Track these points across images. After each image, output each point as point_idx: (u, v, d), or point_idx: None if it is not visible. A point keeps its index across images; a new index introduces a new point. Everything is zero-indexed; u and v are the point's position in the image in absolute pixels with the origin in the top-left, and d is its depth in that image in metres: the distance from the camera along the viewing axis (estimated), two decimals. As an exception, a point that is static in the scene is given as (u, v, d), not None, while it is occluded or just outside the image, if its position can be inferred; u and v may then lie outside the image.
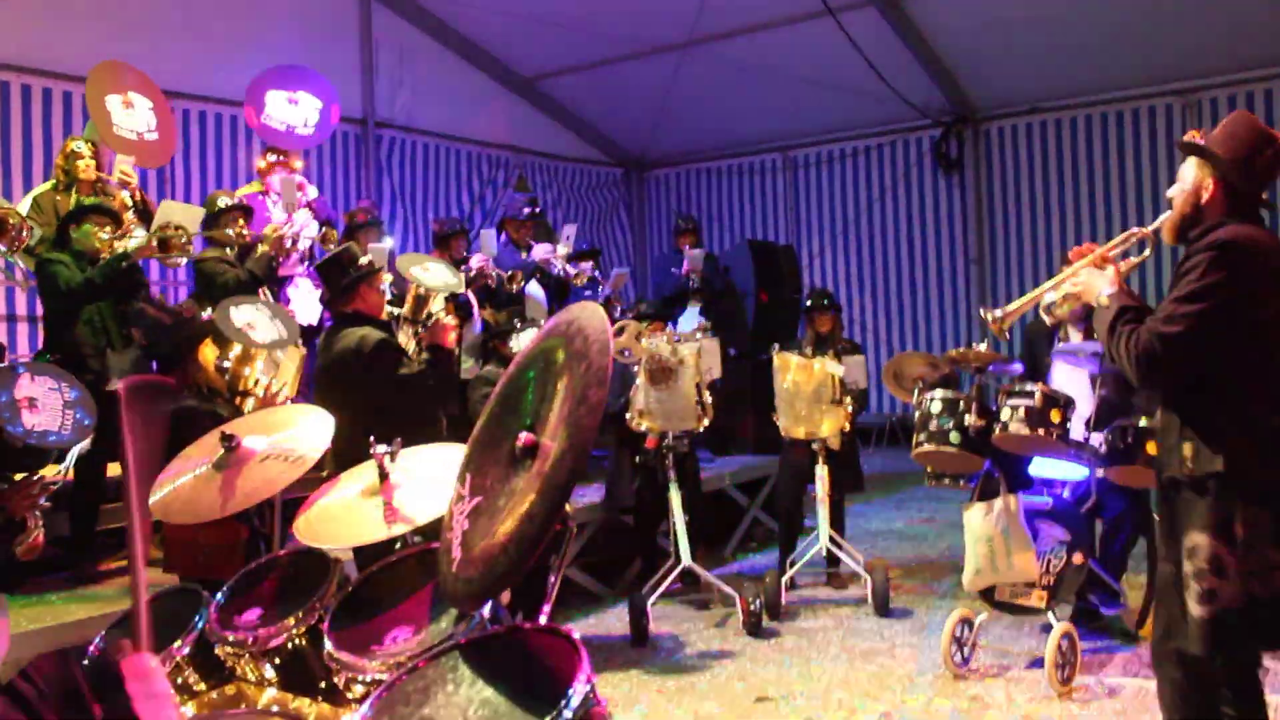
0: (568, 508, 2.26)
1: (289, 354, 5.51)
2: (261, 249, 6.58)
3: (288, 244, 6.75)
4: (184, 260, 6.27)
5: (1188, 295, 3.01)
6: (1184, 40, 10.38)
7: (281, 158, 7.83)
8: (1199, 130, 3.34)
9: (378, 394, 4.79)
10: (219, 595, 3.23)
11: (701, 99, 12.87)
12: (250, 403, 5.19)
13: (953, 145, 12.78)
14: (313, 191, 7.76)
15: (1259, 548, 2.99)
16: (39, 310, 6.69)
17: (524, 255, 8.43)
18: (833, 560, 6.95)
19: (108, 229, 5.86)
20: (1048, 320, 3.76)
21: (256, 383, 5.10)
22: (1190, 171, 3.20)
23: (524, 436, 2.18)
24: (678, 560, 6.34)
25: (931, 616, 6.22)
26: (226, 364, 5.03)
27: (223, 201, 6.92)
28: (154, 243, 5.88)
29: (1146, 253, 3.58)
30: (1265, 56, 10.66)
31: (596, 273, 8.76)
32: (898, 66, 11.27)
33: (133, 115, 7.04)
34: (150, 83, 7.22)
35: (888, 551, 7.83)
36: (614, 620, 6.60)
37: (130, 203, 6.59)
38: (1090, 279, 3.36)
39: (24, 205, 6.71)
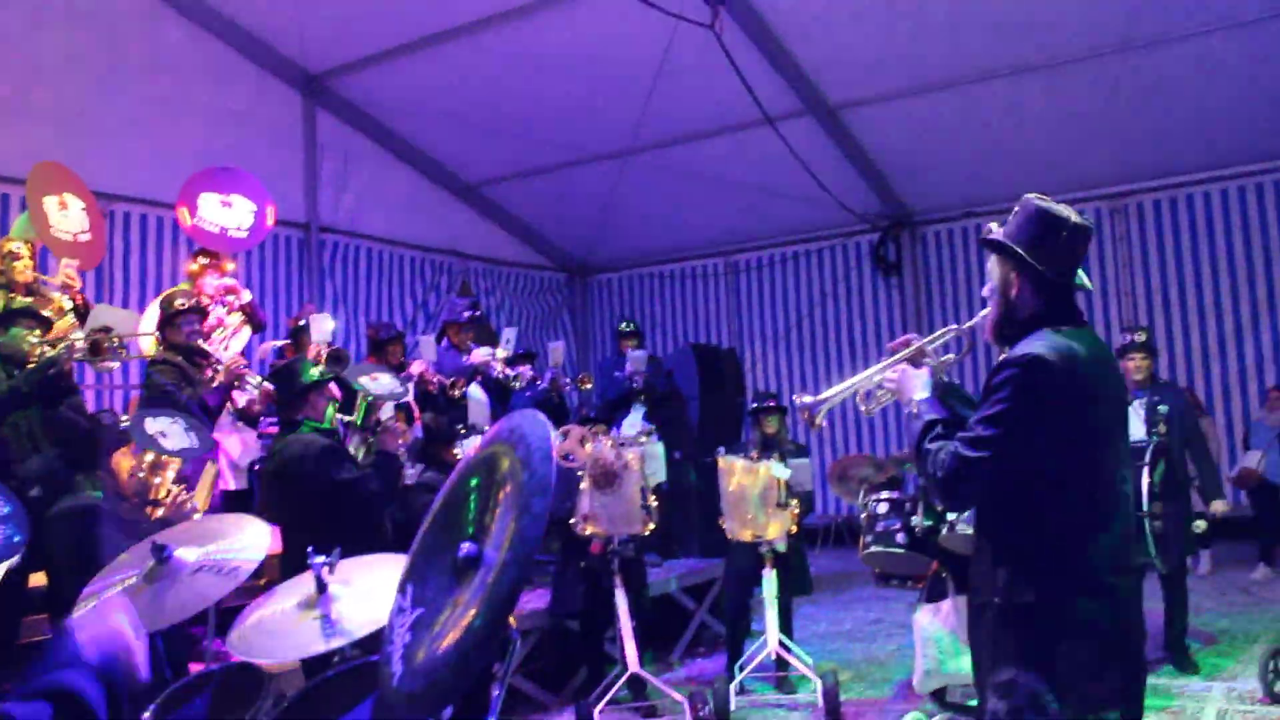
0: (510, 619, 2.19)
1: (205, 470, 5.43)
2: (219, 380, 6.44)
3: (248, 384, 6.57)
4: (116, 364, 6.15)
5: (992, 417, 2.82)
6: (1112, 147, 10.74)
7: (213, 260, 7.73)
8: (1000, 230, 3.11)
9: (322, 500, 4.74)
10: (147, 714, 3.09)
11: (644, 205, 13.06)
12: (160, 511, 5.08)
13: (890, 249, 13.03)
14: (245, 295, 7.66)
15: (1080, 684, 2.75)
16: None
17: (465, 359, 8.41)
18: (782, 664, 6.86)
19: (36, 333, 5.75)
20: (864, 411, 3.55)
21: (168, 493, 5.00)
22: (995, 268, 3.06)
23: (466, 547, 2.12)
24: (625, 667, 6.22)
25: (883, 721, 6.13)
26: (141, 473, 4.94)
27: (179, 303, 6.82)
28: (86, 347, 5.77)
29: (962, 352, 3.43)
30: (1191, 163, 11.07)
31: (534, 372, 8.74)
32: (836, 173, 11.52)
33: (68, 217, 6.98)
34: (81, 184, 7.20)
35: (837, 653, 7.75)
36: (560, 731, 6.44)
37: (70, 305, 6.49)
38: (905, 379, 3.22)
39: None
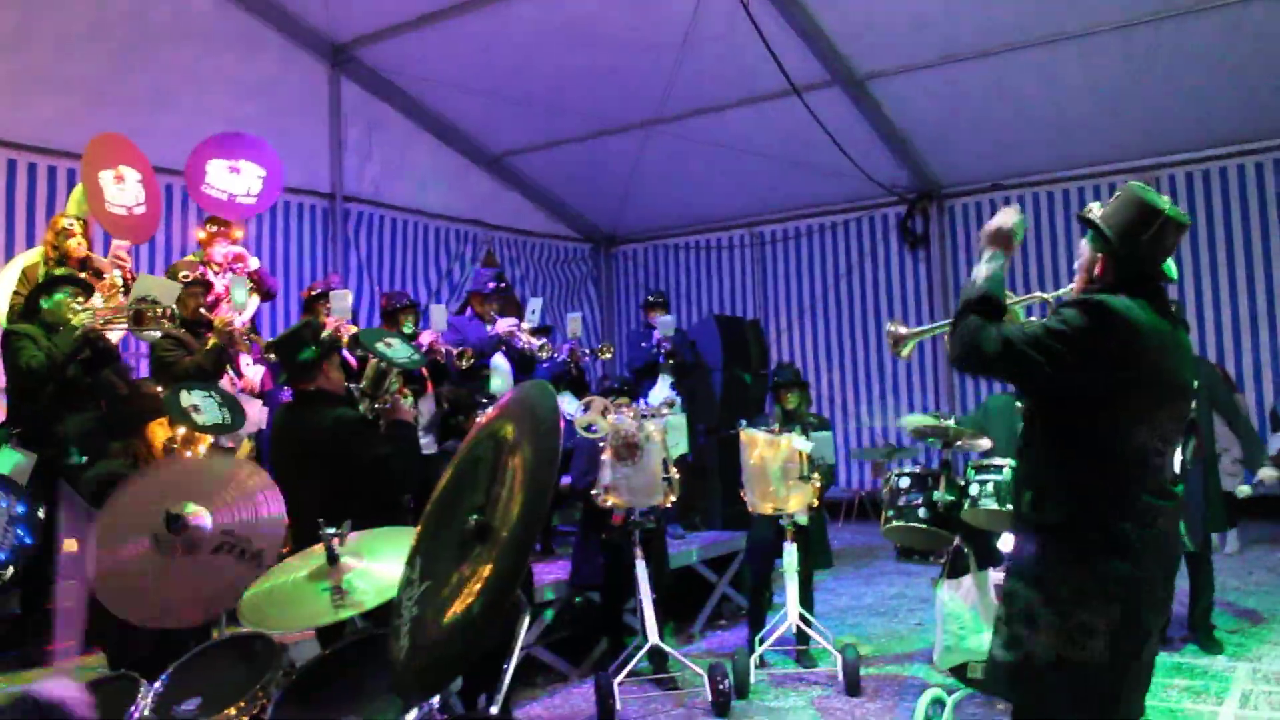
0: (517, 591, 2.17)
1: (240, 446, 5.44)
2: (212, 341, 6.46)
3: (241, 339, 6.60)
4: (158, 334, 6.18)
5: (1051, 330, 2.98)
6: (1144, 118, 10.57)
7: (222, 228, 7.72)
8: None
9: (348, 475, 4.66)
10: (158, 683, 3.10)
11: (669, 176, 12.97)
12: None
13: (917, 221, 12.90)
14: (254, 263, 7.64)
15: (1078, 611, 2.94)
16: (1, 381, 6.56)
17: (489, 329, 8.40)
18: (802, 637, 6.85)
19: (79, 299, 5.79)
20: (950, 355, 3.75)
21: None
22: (1085, 245, 3.23)
23: (473, 519, 2.10)
24: (645, 638, 6.23)
25: (903, 695, 6.12)
26: (174, 445, 4.95)
27: (183, 274, 6.84)
28: (129, 316, 5.82)
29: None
30: (1225, 134, 10.87)
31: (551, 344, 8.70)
32: (862, 144, 11.40)
33: (124, 190, 6.96)
34: (139, 154, 7.13)
35: (858, 627, 7.73)
36: (580, 700, 6.47)
37: (121, 284, 6.50)
38: (986, 240, 3.38)
39: (10, 274, 6.63)
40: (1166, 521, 3.03)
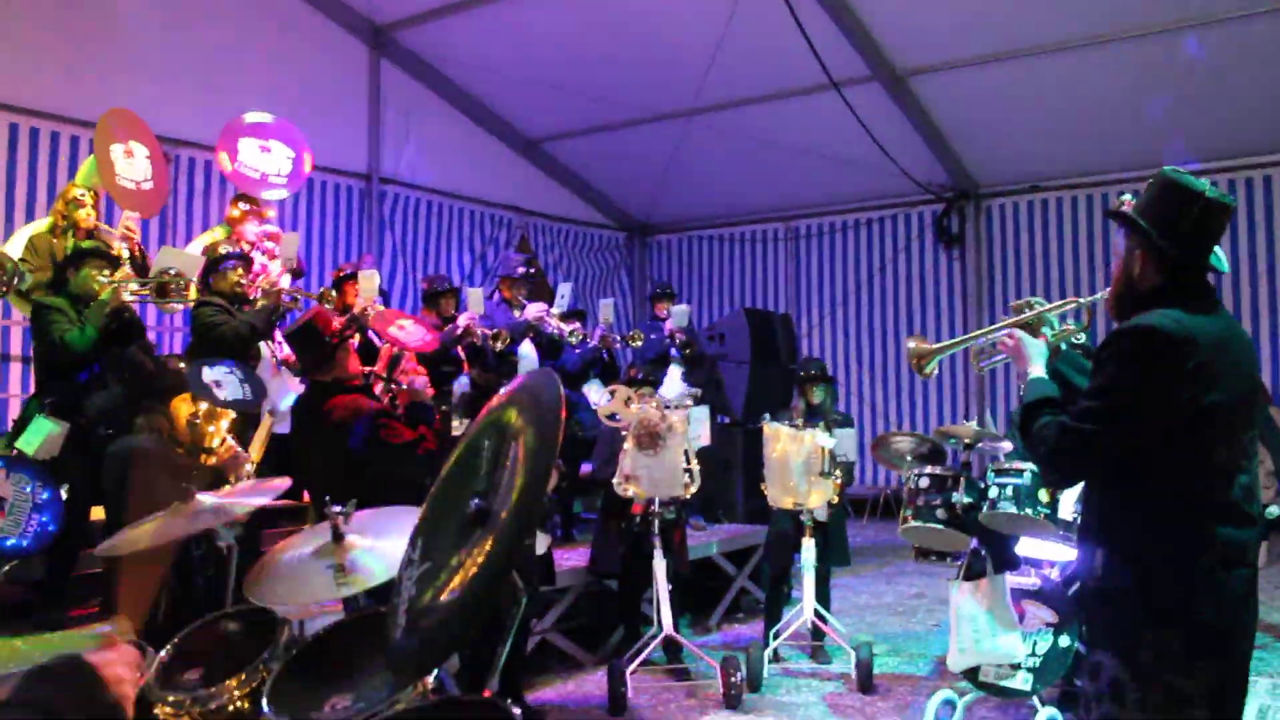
0: (516, 576, 2.18)
1: (262, 422, 5.49)
2: (261, 303, 6.55)
3: (286, 299, 6.71)
4: (181, 306, 6.27)
5: (1100, 389, 2.72)
6: (1184, 122, 10.43)
7: (254, 206, 7.77)
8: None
9: (368, 462, 4.72)
10: (164, 651, 3.15)
11: (705, 166, 12.97)
12: (213, 460, 5.16)
13: (954, 220, 12.82)
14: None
15: (1165, 676, 2.60)
16: (30, 351, 6.66)
17: (517, 314, 8.41)
18: (818, 634, 6.84)
19: (105, 273, 5.87)
20: (975, 368, 3.59)
21: (222, 442, 5.07)
22: (1121, 242, 2.90)
23: (475, 502, 2.12)
24: (660, 629, 6.24)
25: (915, 695, 6.09)
26: (197, 420, 5.01)
27: (224, 249, 6.91)
28: (153, 288, 5.89)
29: (1083, 325, 3.38)
30: (1262, 144, 10.72)
31: (583, 330, 8.71)
32: (900, 141, 11.34)
33: (133, 165, 7.04)
34: (148, 130, 7.22)
35: (875, 626, 7.71)
36: (593, 687, 6.48)
37: (129, 256, 6.58)
38: (1023, 345, 3.10)
39: (17, 243, 6.72)
40: (1253, 553, 2.69)
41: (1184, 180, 2.78)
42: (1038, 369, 3.03)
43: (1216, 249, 2.86)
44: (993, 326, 3.41)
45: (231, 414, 5.22)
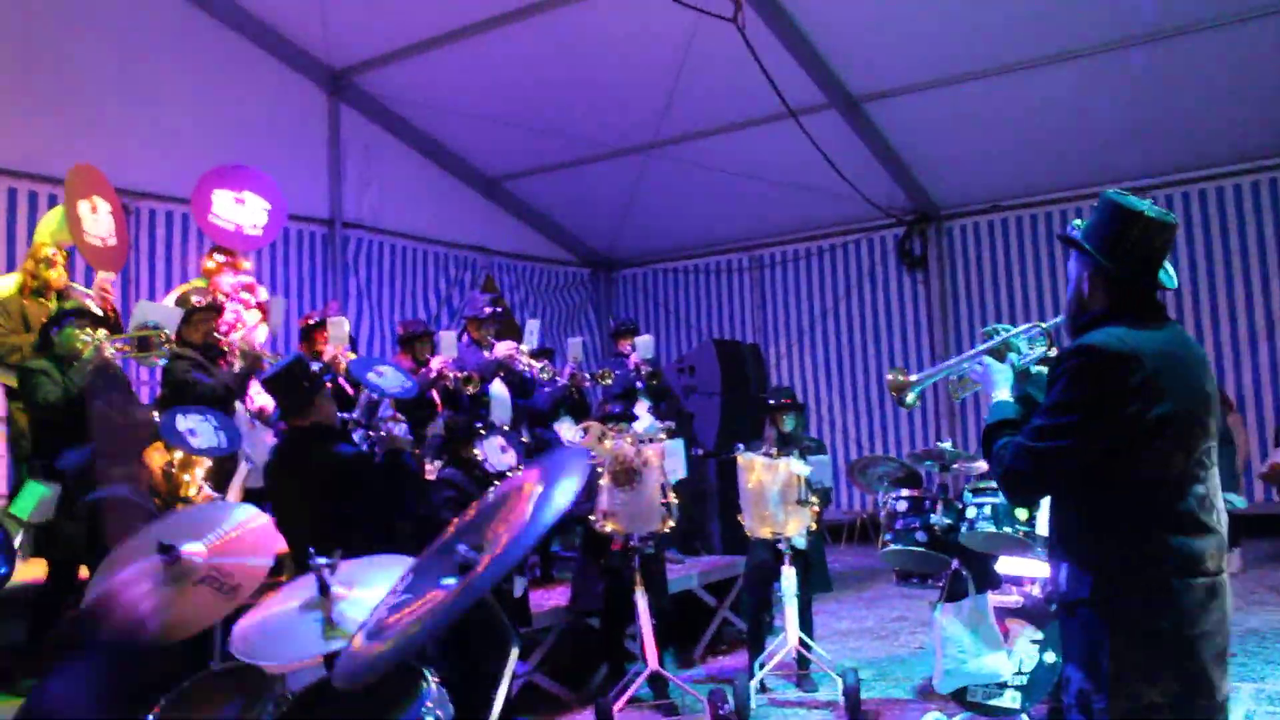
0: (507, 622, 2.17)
1: (239, 470, 5.45)
2: (240, 364, 6.49)
3: (265, 363, 6.64)
4: (161, 360, 6.21)
5: (1049, 408, 2.78)
6: (1140, 139, 10.62)
7: (229, 258, 7.72)
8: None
9: (348, 508, 4.69)
10: (150, 716, 3.09)
11: (667, 200, 13.03)
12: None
13: (916, 243, 12.93)
14: (263, 293, 7.67)
15: (1128, 686, 2.64)
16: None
17: (486, 354, 8.37)
18: (803, 662, 6.82)
19: (88, 331, 5.83)
20: (953, 395, 3.67)
21: (199, 490, 5.02)
22: (1073, 265, 2.98)
23: (462, 549, 2.12)
24: (645, 664, 6.20)
25: (904, 718, 6.08)
26: (172, 469, 4.96)
27: (195, 300, 6.85)
28: (134, 343, 5.85)
29: (1049, 346, 3.42)
30: (1220, 155, 10.91)
31: (553, 368, 8.67)
32: (860, 166, 11.44)
33: (98, 221, 6.99)
34: (109, 187, 7.17)
35: (859, 651, 7.69)
36: (579, 728, 6.42)
37: (102, 315, 6.52)
38: (987, 375, 3.22)
39: None
40: (1213, 560, 2.72)
41: (1124, 201, 2.87)
42: (1002, 393, 3.13)
43: (1166, 264, 2.91)
44: (964, 355, 3.50)
45: (207, 462, 5.17)
